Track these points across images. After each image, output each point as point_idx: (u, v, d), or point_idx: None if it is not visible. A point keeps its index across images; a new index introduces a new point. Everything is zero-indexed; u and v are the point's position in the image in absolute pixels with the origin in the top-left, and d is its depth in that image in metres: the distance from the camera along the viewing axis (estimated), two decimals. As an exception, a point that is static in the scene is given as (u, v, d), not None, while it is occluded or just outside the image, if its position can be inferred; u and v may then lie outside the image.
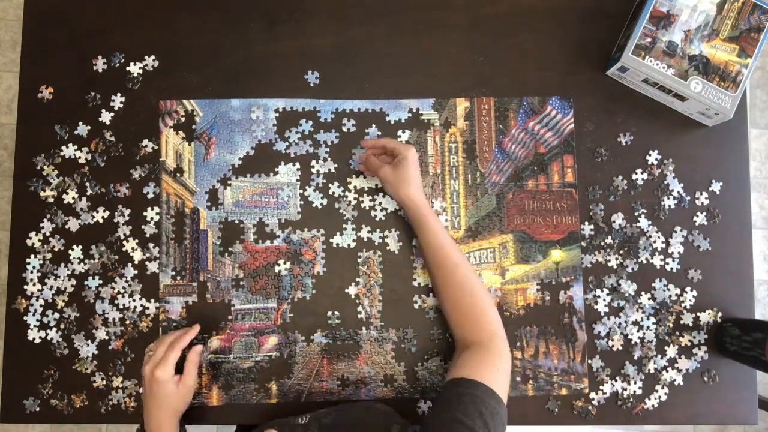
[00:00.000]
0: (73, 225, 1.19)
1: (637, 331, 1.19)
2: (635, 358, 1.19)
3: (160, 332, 1.17)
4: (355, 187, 1.21)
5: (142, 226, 1.19)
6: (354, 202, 1.21)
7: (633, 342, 1.19)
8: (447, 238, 1.10)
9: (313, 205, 1.21)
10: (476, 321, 1.06)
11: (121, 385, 1.17)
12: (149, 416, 1.05)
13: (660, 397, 1.19)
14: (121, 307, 1.18)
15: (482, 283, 1.11)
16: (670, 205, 1.22)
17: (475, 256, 1.21)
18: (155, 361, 1.05)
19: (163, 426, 1.05)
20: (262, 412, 1.17)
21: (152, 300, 1.18)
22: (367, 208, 1.21)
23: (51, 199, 1.20)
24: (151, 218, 1.19)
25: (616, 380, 1.19)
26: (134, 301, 1.18)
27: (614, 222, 1.21)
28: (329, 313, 1.19)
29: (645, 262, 1.21)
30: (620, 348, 1.19)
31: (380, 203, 1.21)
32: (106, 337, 1.17)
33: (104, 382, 1.17)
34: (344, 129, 1.22)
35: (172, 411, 1.06)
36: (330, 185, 1.21)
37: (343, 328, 1.19)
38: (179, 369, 1.07)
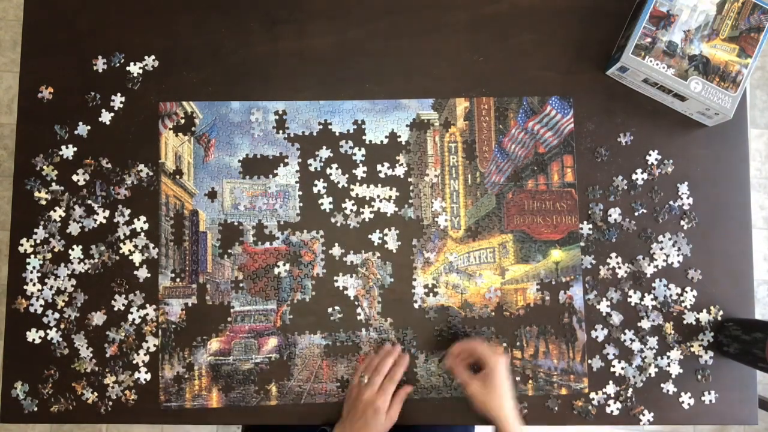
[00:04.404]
0: (73, 225, 1.19)
1: (638, 331, 1.19)
2: (635, 358, 1.19)
3: (160, 334, 1.18)
4: (357, 195, 1.21)
5: (142, 227, 1.19)
6: (354, 209, 1.21)
7: (633, 342, 1.19)
8: None
9: (322, 208, 1.21)
10: None
11: (119, 379, 1.17)
12: None
13: (660, 397, 1.19)
14: (120, 308, 1.18)
15: None
16: (670, 205, 1.22)
17: (475, 256, 1.21)
18: (374, 390, 1.10)
19: None
20: (262, 414, 1.18)
21: (152, 302, 1.18)
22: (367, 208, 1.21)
23: (50, 199, 1.20)
24: (150, 218, 1.19)
25: (618, 383, 1.19)
26: (134, 302, 1.18)
27: (614, 222, 1.21)
28: (329, 311, 1.19)
29: (645, 261, 1.21)
30: (620, 348, 1.19)
31: (379, 208, 1.21)
32: (106, 337, 1.18)
33: (104, 382, 1.17)
34: (342, 150, 1.23)
35: None
36: (331, 196, 1.22)
37: (343, 330, 1.19)
38: None
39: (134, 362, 1.17)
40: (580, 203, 1.22)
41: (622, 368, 1.19)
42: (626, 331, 1.19)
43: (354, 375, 1.17)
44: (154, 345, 1.17)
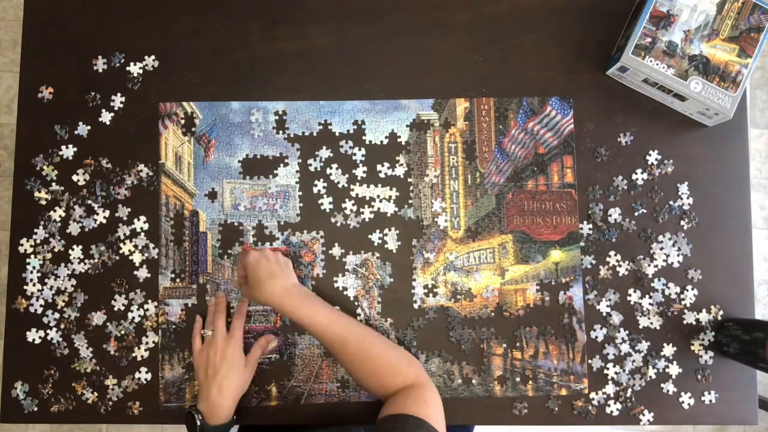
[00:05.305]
0: (73, 225, 1.19)
1: (630, 333, 1.19)
2: (635, 358, 1.19)
3: (160, 334, 1.18)
4: (357, 195, 1.21)
5: (142, 227, 1.19)
6: (354, 209, 1.21)
7: (623, 343, 1.19)
8: (325, 317, 1.07)
9: (322, 208, 1.21)
10: (389, 380, 1.05)
11: (119, 380, 1.17)
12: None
13: (660, 397, 1.19)
14: (120, 308, 1.18)
15: (376, 338, 1.08)
16: (670, 205, 1.22)
17: (475, 257, 1.21)
18: (219, 338, 1.12)
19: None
20: (261, 414, 1.18)
21: (152, 300, 1.18)
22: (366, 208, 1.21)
23: (50, 199, 1.20)
24: (150, 218, 1.19)
25: (617, 383, 1.19)
26: (134, 302, 1.18)
27: (614, 222, 1.21)
28: (329, 314, 1.19)
29: (645, 261, 1.21)
30: (620, 348, 1.19)
31: (379, 208, 1.21)
32: (106, 336, 1.18)
33: (104, 382, 1.17)
34: (341, 150, 1.23)
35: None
36: (331, 196, 1.22)
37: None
38: None
39: (135, 361, 1.17)
40: (580, 203, 1.22)
41: (616, 373, 1.19)
42: (620, 329, 1.19)
43: (193, 339, 1.15)
44: (153, 341, 1.17)
